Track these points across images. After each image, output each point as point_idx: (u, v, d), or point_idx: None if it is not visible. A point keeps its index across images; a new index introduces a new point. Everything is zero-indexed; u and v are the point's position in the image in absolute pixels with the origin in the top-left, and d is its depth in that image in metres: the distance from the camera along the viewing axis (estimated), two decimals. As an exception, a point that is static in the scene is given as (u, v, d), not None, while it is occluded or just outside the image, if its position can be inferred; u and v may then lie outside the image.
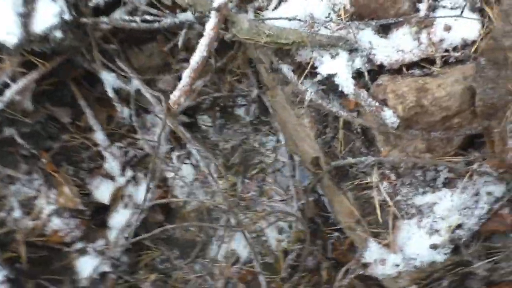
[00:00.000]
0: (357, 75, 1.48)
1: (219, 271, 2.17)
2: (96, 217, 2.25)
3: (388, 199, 1.49)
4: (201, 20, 1.54)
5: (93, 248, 2.14)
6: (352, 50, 1.49)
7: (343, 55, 1.47)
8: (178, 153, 2.37)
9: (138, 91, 2.05)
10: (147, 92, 1.95)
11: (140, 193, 2.22)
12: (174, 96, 1.39)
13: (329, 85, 1.53)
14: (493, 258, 1.41)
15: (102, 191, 2.16)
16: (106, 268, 2.08)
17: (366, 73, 1.41)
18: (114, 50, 2.03)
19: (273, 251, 2.14)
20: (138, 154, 2.30)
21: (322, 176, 1.77)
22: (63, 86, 2.18)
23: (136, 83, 1.99)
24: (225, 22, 1.48)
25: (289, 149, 2.17)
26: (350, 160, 1.56)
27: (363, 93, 1.39)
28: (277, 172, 2.26)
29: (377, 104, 1.34)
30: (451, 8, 1.37)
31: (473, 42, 1.36)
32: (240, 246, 2.19)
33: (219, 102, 2.44)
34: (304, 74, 1.54)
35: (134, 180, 2.25)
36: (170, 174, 2.30)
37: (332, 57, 1.49)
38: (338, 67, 1.46)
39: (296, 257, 2.10)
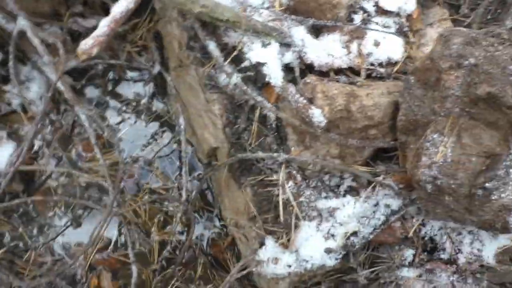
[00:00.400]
0: (285, 69, 1.45)
1: (83, 255, 1.92)
2: None
3: (292, 199, 1.48)
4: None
5: None
6: (282, 44, 1.45)
7: (275, 46, 1.43)
8: (55, 117, 2.06)
9: (22, 34, 1.72)
10: (35, 37, 1.63)
11: (-1, 155, 1.86)
12: (85, 45, 1.17)
13: (254, 73, 1.47)
14: (377, 268, 1.49)
15: (-51, 146, 1.75)
16: None
17: (297, 69, 1.38)
18: (-1, -21, 1.67)
19: (148, 240, 1.98)
20: (3, 109, 1.93)
21: (224, 165, 1.69)
22: None
23: (22, 23, 1.66)
24: (159, -21, 1.32)
25: (187, 135, 2.04)
26: (260, 154, 1.51)
27: (292, 88, 1.36)
28: (165, 158, 2.11)
29: (305, 101, 1.32)
30: (383, 26, 1.43)
31: (396, 62, 1.44)
32: (112, 231, 1.97)
33: (113, 71, 2.19)
34: (232, 56, 1.46)
35: (-7, 139, 1.88)
36: (42, 139, 1.99)
37: (264, 46, 1.44)
38: (269, 57, 1.41)
39: (172, 249, 1.97)
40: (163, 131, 2.14)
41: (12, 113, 1.97)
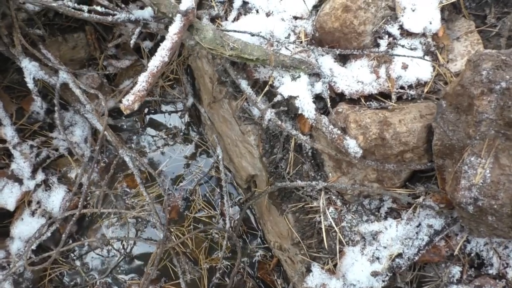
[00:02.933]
0: (316, 99, 1.49)
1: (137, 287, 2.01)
2: (-4, 225, 1.96)
3: (334, 224, 1.51)
4: (161, 21, 1.41)
5: (-12, 261, 1.85)
6: (311, 75, 1.49)
7: (304, 78, 1.47)
8: (99, 157, 2.17)
9: (64, 85, 1.82)
10: (77, 88, 1.73)
11: (51, 199, 1.97)
12: (128, 100, 1.24)
13: (288, 106, 1.51)
14: (425, 287, 1.49)
15: (6, 195, 1.87)
16: (6, 285, 1.80)
17: (328, 100, 1.41)
18: (38, 35, 1.78)
19: (197, 268, 2.05)
20: (52, 155, 2.05)
21: (263, 195, 1.74)
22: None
23: (64, 77, 1.76)
24: (189, 28, 1.38)
25: (224, 163, 2.10)
26: (299, 183, 1.55)
27: (325, 119, 1.39)
28: (206, 186, 2.18)
29: (339, 132, 1.35)
30: (410, 49, 1.44)
31: (425, 82, 1.44)
32: (161, 262, 2.06)
33: (148, 106, 2.29)
34: (263, 92, 1.51)
35: (45, 184, 1.99)
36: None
37: (293, 79, 1.48)
38: (300, 90, 1.45)
39: (221, 275, 2.04)
40: (201, 159, 2.22)
41: (60, 158, 2.10)
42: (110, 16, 1.41)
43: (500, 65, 1.11)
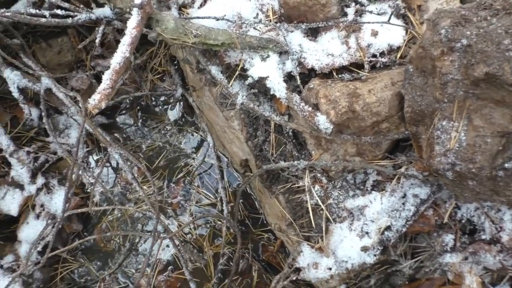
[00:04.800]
0: (288, 78, 1.46)
1: (146, 280, 2.05)
2: (2, 231, 2.03)
3: (320, 202, 1.49)
4: (121, 16, 1.40)
5: (0, 266, 1.92)
6: (282, 53, 1.45)
7: (274, 57, 1.43)
8: (97, 157, 2.21)
9: (48, 91, 1.86)
10: (60, 92, 1.76)
11: (54, 201, 2.02)
12: (94, 100, 1.25)
13: (259, 88, 1.48)
14: (418, 258, 1.46)
15: (9, 202, 1.94)
16: (17, 286, 1.87)
17: (298, 77, 1.38)
18: (18, 45, 1.81)
19: (202, 256, 2.07)
20: (50, 158, 2.10)
21: (252, 179, 1.73)
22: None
23: (46, 82, 1.79)
24: (149, 20, 1.36)
25: (217, 151, 2.10)
26: (282, 164, 1.53)
27: (296, 97, 1.36)
28: (204, 174, 2.19)
29: (310, 109, 1.32)
30: (378, 14, 1.38)
31: (398, 47, 1.38)
32: (168, 253, 2.09)
33: (140, 101, 2.30)
34: (234, 77, 1.48)
35: (46, 187, 2.05)
36: (88, 180, 2.13)
37: (263, 59, 1.44)
38: (269, 70, 1.42)
39: (227, 261, 2.05)
40: (198, 148, 2.22)
41: (60, 160, 2.15)
42: (70, 18, 1.42)
43: (459, 21, 1.05)
